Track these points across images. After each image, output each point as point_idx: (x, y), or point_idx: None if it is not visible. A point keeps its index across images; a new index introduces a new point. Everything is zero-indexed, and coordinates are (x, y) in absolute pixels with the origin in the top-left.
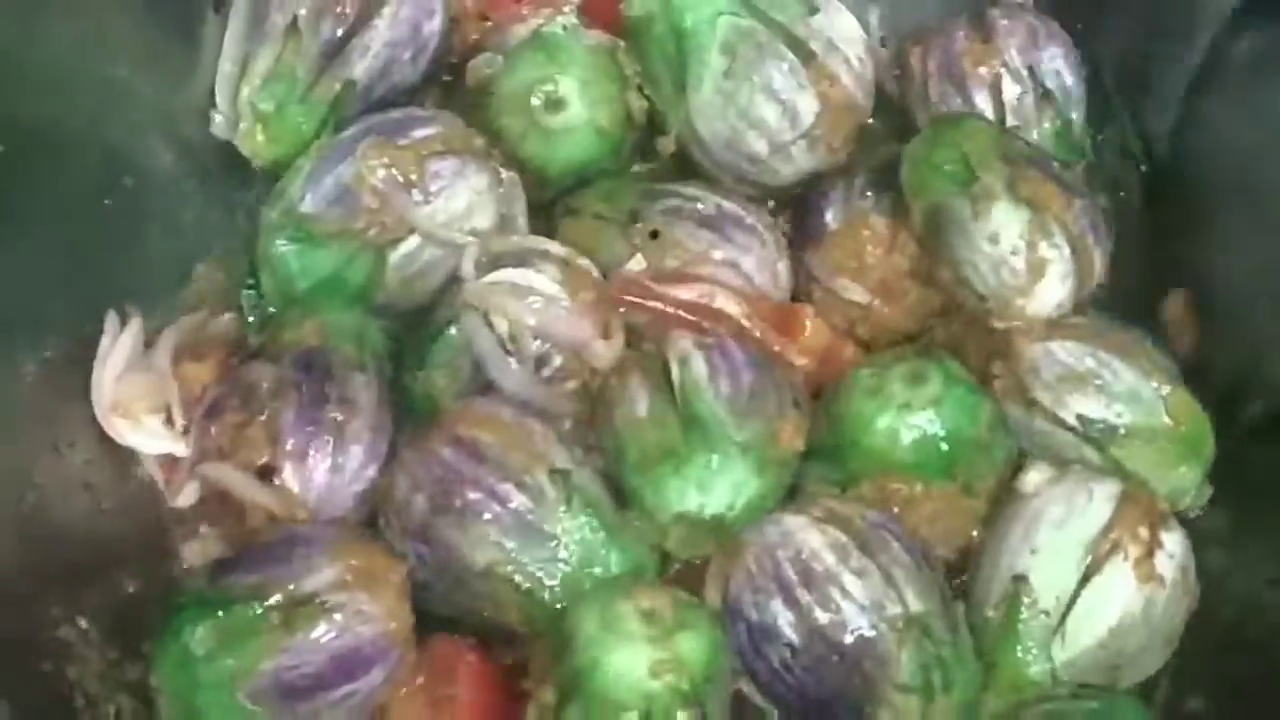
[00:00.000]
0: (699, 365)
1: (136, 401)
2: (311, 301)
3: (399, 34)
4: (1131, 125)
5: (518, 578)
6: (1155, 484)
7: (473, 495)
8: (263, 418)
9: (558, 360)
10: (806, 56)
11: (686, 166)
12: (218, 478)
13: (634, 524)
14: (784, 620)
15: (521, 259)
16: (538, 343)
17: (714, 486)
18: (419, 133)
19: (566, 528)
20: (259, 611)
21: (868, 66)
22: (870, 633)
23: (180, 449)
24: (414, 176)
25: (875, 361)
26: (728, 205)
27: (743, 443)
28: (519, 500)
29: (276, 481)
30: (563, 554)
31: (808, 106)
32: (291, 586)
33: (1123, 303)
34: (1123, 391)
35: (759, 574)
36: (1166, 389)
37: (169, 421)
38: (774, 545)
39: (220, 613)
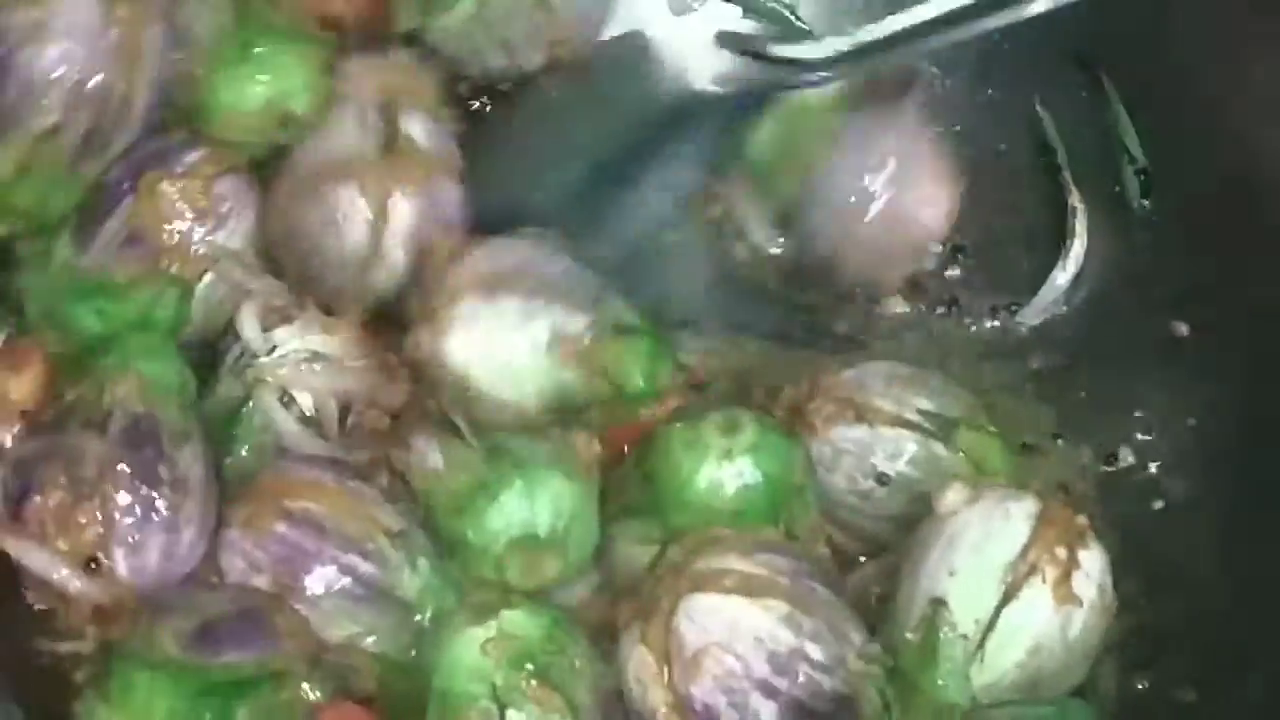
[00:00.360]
0: None
1: None
2: (121, 350)
3: None
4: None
5: (374, 645)
6: (996, 467)
7: (320, 569)
8: (92, 502)
9: (356, 408)
10: None
11: None
12: (41, 570)
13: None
14: (766, 712)
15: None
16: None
17: (536, 504)
18: (189, 157)
19: (416, 587)
20: None
21: None
22: (843, 689)
23: None
24: (203, 204)
25: (686, 415)
26: None
27: (548, 456)
28: (366, 569)
29: (105, 564)
30: (416, 615)
31: None
32: None
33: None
34: (939, 386)
35: (728, 676)
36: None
37: None
38: (729, 641)
39: None
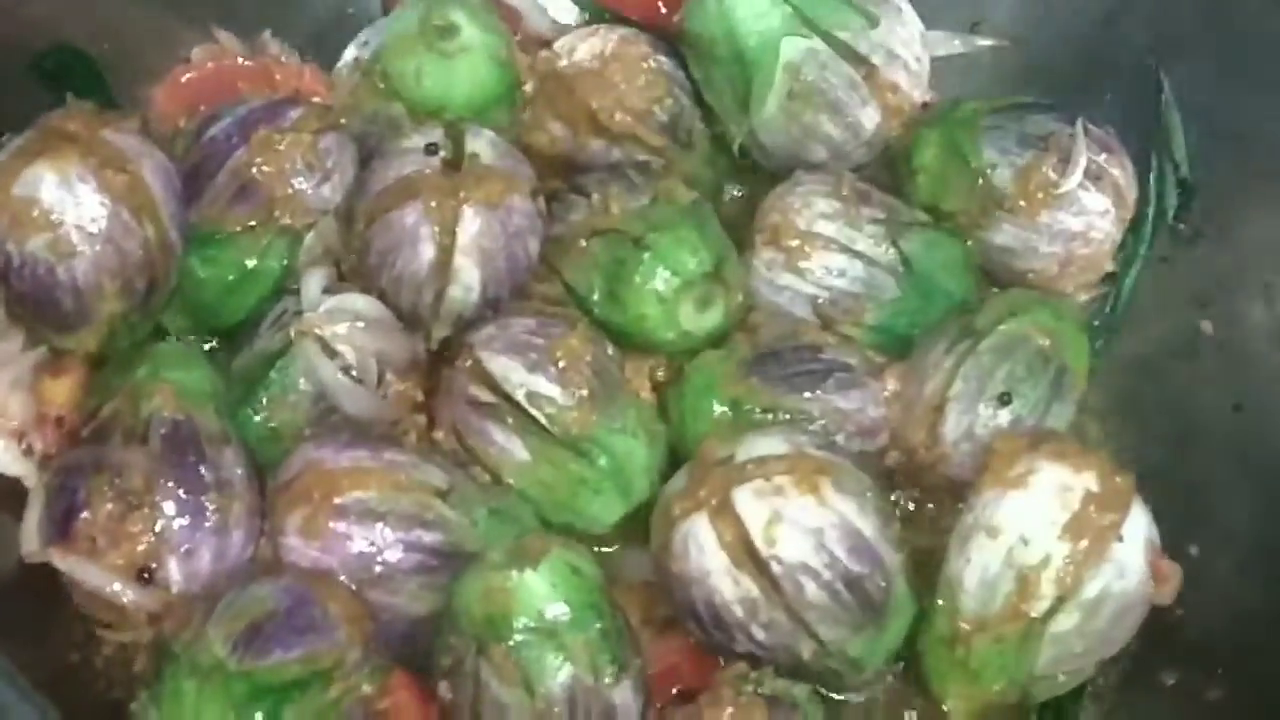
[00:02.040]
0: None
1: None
2: (152, 361)
3: None
4: None
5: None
6: None
7: (391, 557)
8: (141, 512)
9: (389, 375)
10: (868, 71)
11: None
12: (95, 586)
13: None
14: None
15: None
16: (374, 364)
17: (633, 485)
18: (292, 113)
19: (480, 536)
20: None
21: (924, 61)
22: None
23: (33, 478)
24: (310, 157)
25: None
26: None
27: (625, 429)
28: (431, 538)
29: (159, 574)
30: (485, 558)
31: (870, 118)
32: None
33: None
34: None
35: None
36: None
37: (25, 448)
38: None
39: None
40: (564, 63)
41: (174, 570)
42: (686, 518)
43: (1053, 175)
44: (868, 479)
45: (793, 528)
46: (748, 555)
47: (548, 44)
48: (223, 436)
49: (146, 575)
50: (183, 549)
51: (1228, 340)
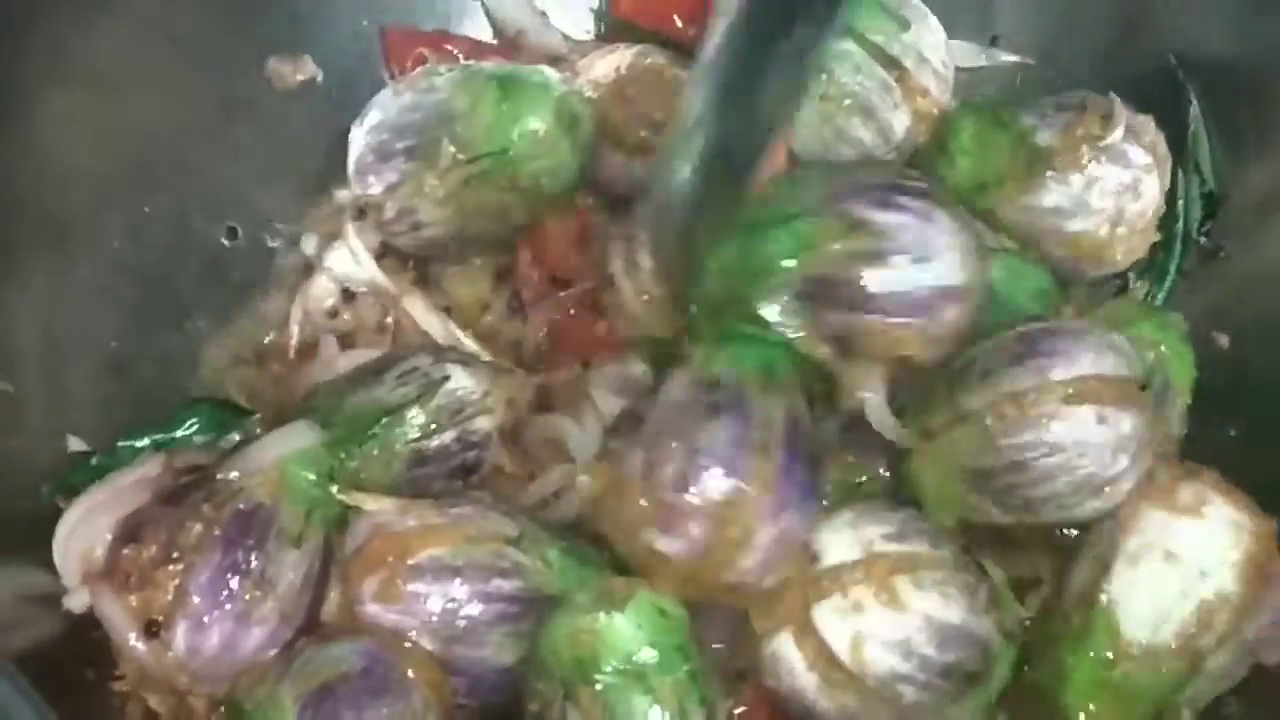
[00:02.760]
0: None
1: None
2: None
3: None
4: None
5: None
6: None
7: (473, 610)
8: (175, 568)
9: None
10: (900, 75)
11: None
12: (106, 618)
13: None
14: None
15: None
16: None
17: None
18: None
19: (557, 578)
20: None
21: (950, 67)
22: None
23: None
24: None
25: None
26: None
27: None
28: (510, 586)
29: (166, 632)
30: (572, 602)
31: (900, 122)
32: None
33: None
34: None
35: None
36: None
37: None
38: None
39: None
40: (582, 80)
41: (179, 635)
42: (771, 637)
43: (1095, 130)
44: (948, 552)
45: (878, 645)
46: (839, 670)
47: (558, 59)
48: (295, 538)
49: (153, 628)
50: (198, 618)
51: (1241, 355)
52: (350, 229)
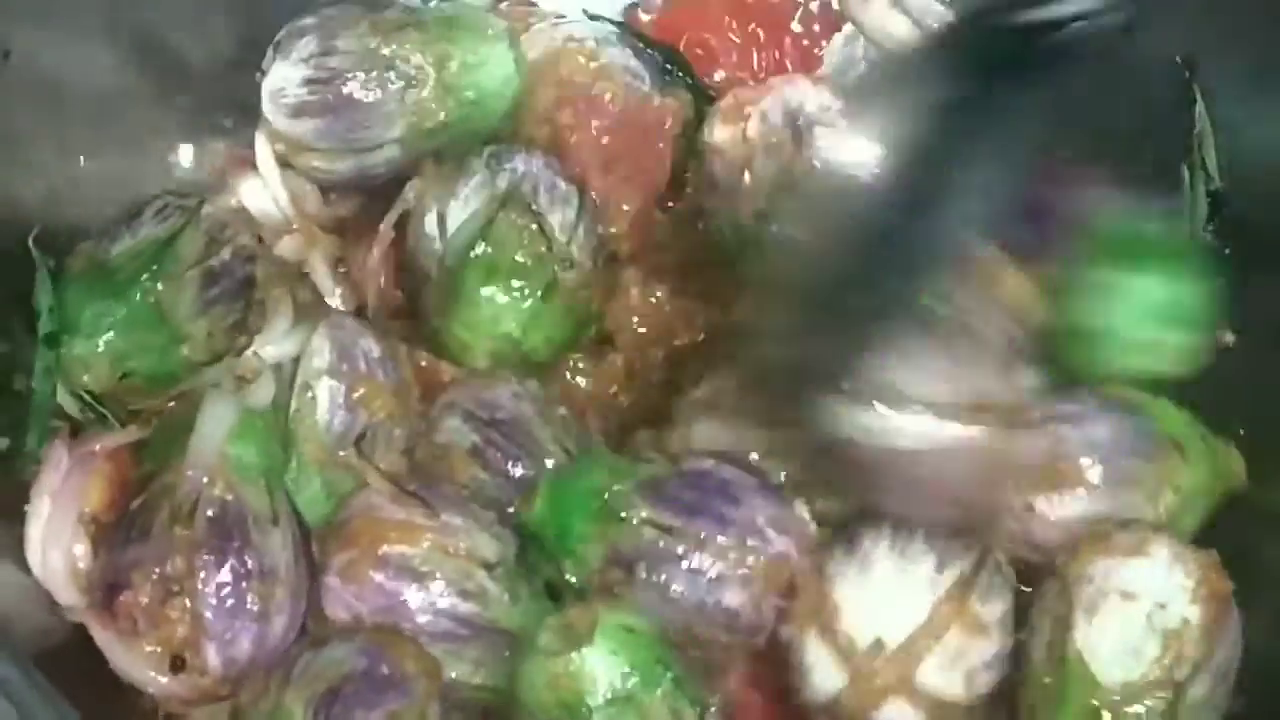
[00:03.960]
0: None
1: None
2: None
3: None
4: None
5: (482, 680)
6: None
7: (421, 619)
8: (181, 598)
9: None
10: None
11: None
12: (124, 668)
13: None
14: None
15: None
16: None
17: None
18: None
19: (519, 616)
20: None
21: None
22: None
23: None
24: None
25: None
26: None
27: None
28: (466, 608)
29: (194, 661)
30: (538, 644)
31: None
32: None
33: None
34: None
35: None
36: None
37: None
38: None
39: None
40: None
41: (210, 656)
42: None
43: None
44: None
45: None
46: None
47: None
48: (270, 515)
49: (179, 662)
50: (224, 636)
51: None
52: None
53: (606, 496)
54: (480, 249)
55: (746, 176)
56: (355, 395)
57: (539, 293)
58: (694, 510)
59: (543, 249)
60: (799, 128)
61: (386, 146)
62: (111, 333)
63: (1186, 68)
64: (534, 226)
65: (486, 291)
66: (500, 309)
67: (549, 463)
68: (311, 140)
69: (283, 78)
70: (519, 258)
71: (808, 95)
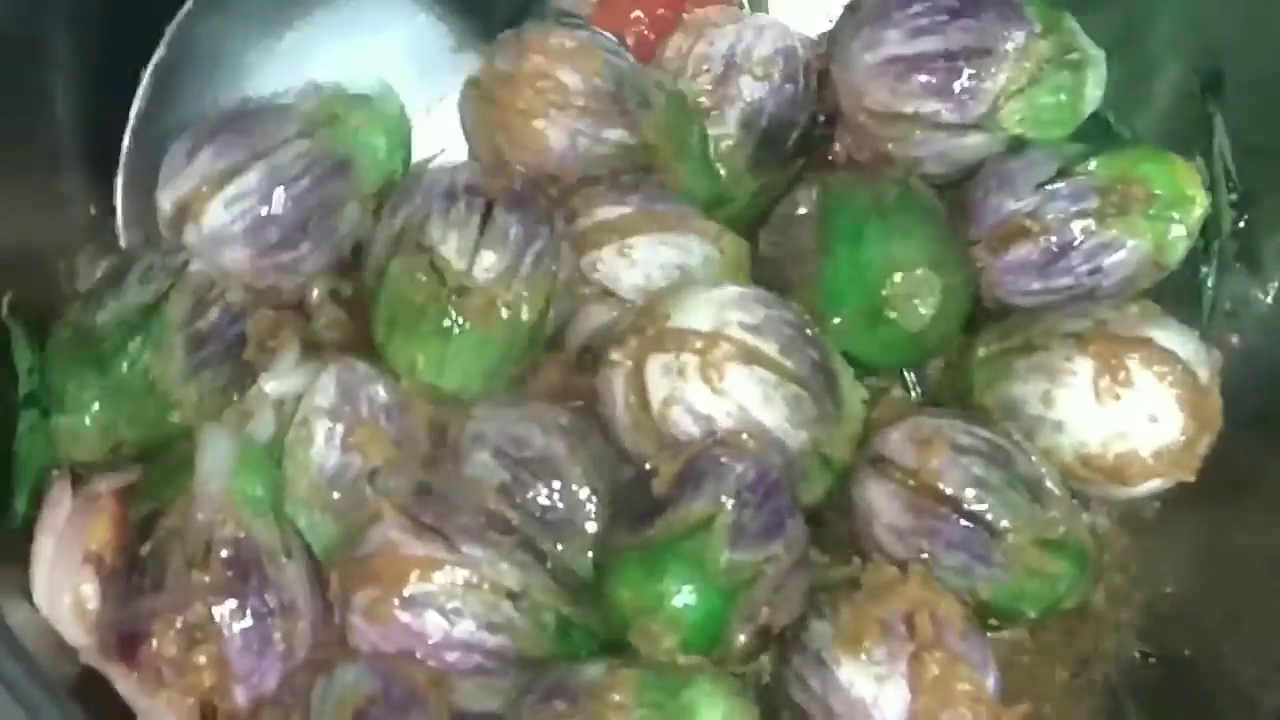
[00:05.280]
0: None
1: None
2: None
3: None
4: None
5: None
6: None
7: (450, 656)
8: (206, 645)
9: None
10: None
11: None
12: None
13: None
14: None
15: None
16: None
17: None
18: None
19: (547, 643)
20: None
21: None
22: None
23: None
24: None
25: None
26: None
27: None
28: (495, 643)
29: (225, 702)
30: (549, 668)
31: None
32: None
33: None
34: None
35: None
36: None
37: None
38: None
39: None
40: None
41: (240, 698)
42: (608, 368)
43: None
44: (793, 363)
45: (685, 411)
46: (648, 418)
47: None
48: (284, 548)
49: (210, 710)
50: (250, 679)
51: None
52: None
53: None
54: (381, 300)
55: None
56: (352, 438)
57: (435, 332)
58: None
59: (435, 284)
60: (733, 64)
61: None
62: (98, 405)
63: (1204, 90)
64: (426, 262)
65: (392, 344)
66: (411, 356)
67: (582, 495)
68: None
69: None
70: (415, 299)
71: (758, 41)
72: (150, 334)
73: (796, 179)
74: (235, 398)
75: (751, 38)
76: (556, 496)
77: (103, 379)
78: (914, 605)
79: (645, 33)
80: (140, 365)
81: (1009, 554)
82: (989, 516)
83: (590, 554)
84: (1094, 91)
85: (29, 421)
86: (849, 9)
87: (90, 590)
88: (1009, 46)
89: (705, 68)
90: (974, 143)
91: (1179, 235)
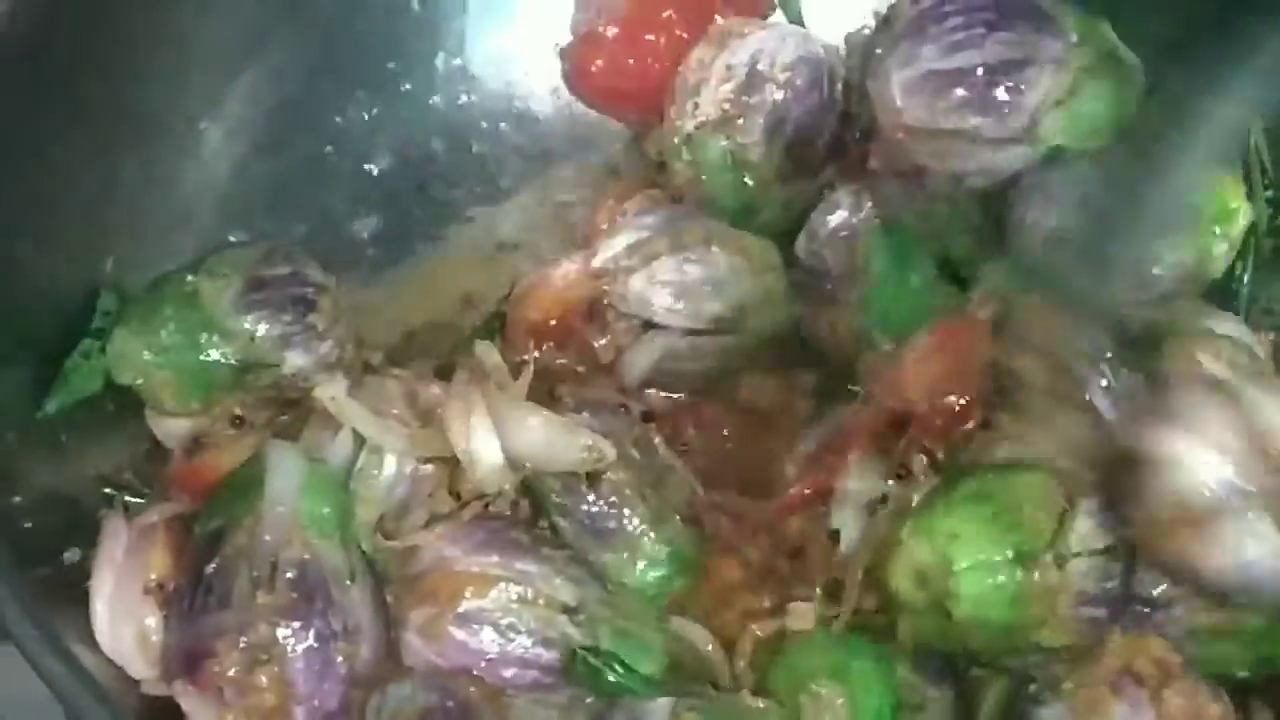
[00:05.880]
0: None
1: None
2: None
3: None
4: None
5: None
6: None
7: (507, 672)
8: (269, 666)
9: None
10: None
11: None
12: None
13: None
14: None
15: None
16: None
17: None
18: None
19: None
20: None
21: None
22: None
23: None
24: None
25: None
26: None
27: None
28: (550, 657)
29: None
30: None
31: None
32: None
33: None
34: None
35: None
36: None
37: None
38: None
39: None
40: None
41: (301, 718)
42: None
43: None
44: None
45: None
46: None
47: None
48: (349, 571)
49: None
50: (312, 701)
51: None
52: None
53: None
54: None
55: (700, 95)
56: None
57: None
58: None
59: None
60: (756, 72)
61: None
62: (141, 316)
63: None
64: None
65: None
66: None
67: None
68: None
69: None
70: None
71: (781, 49)
72: (208, 267)
73: (829, 186)
74: (280, 358)
75: (774, 45)
76: (606, 505)
77: (152, 292)
78: (1126, 657)
79: (679, 33)
80: (192, 285)
81: None
82: None
83: (640, 565)
84: (1132, 98)
85: (85, 349)
86: (883, 23)
87: (153, 622)
88: (1047, 58)
89: (729, 77)
90: (1014, 155)
91: (1221, 250)
